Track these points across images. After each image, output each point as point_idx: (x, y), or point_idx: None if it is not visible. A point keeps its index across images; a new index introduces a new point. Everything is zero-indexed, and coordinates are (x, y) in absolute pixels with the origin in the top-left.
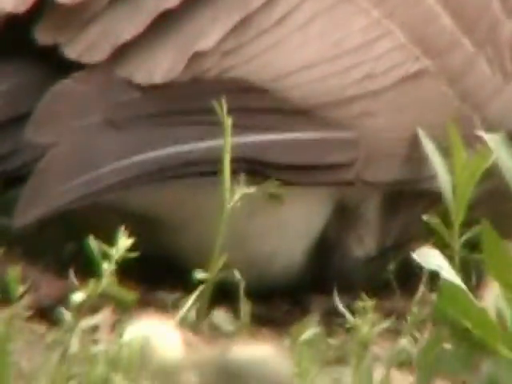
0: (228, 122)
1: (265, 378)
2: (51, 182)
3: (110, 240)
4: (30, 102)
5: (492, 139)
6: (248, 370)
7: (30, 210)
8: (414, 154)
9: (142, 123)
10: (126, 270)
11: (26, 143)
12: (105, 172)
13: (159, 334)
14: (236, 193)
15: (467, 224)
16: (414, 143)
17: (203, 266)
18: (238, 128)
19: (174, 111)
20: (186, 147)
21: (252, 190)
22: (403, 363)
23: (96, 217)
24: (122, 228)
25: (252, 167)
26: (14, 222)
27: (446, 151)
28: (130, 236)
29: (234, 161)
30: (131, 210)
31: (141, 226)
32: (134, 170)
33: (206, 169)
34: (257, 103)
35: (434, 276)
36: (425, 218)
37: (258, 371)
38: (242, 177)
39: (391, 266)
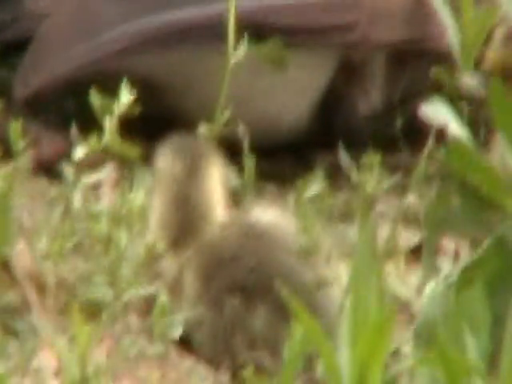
0: None
1: (286, 239)
2: (52, 50)
3: (113, 98)
4: None
5: None
6: (270, 232)
7: (30, 78)
8: (420, 12)
9: None
10: (129, 127)
11: (25, 11)
12: (106, 38)
13: None
14: (238, 56)
15: None
16: (420, 1)
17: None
18: None
19: None
20: (188, 12)
21: (254, 51)
22: (410, 220)
23: (97, 80)
24: (125, 83)
25: (255, 30)
26: (14, 92)
27: (452, 10)
28: (133, 91)
29: (238, 25)
30: (134, 75)
31: (144, 89)
32: (136, 35)
33: (209, 33)
34: None
35: (442, 131)
36: (433, 70)
37: (279, 233)
38: (246, 38)
39: (398, 122)
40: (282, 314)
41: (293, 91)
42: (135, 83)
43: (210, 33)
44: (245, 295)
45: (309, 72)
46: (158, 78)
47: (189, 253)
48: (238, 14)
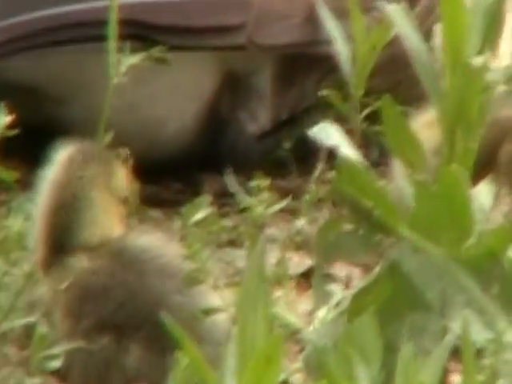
0: None
1: (161, 264)
2: None
3: None
4: None
5: (392, 8)
6: (144, 256)
7: None
8: (311, 15)
9: None
10: (8, 149)
11: None
12: None
13: None
14: (122, 63)
15: (366, 93)
16: (311, 4)
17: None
18: None
19: None
20: (68, 8)
21: (138, 58)
22: (300, 245)
23: None
24: (1, 104)
25: (138, 31)
26: None
27: (343, 13)
28: (12, 110)
29: (119, 23)
30: (12, 82)
31: (24, 98)
32: (13, 31)
33: (89, 32)
34: None
35: (333, 153)
36: (322, 91)
37: (154, 257)
38: (128, 44)
39: (287, 143)
40: (157, 348)
41: (177, 98)
42: (15, 94)
43: (90, 31)
44: (115, 332)
45: (193, 79)
46: (36, 85)
47: (57, 284)
48: (120, 11)
